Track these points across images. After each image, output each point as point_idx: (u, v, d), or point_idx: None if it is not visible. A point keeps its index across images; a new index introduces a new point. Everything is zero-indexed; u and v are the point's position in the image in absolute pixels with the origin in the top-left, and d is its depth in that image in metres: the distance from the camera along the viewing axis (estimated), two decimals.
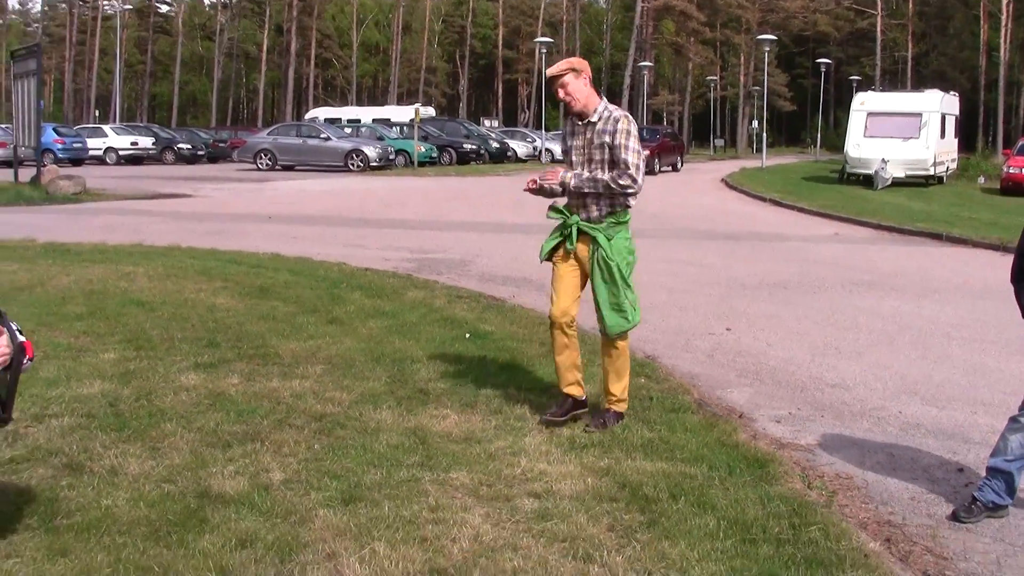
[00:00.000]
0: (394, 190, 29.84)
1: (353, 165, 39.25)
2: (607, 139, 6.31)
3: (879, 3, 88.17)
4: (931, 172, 34.28)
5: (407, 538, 4.57)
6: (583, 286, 6.60)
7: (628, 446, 6.06)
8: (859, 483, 5.89)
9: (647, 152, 34.97)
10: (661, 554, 4.49)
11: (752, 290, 12.70)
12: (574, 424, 6.45)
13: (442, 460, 5.67)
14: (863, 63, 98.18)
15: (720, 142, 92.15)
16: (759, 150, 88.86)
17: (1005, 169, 32.85)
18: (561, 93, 6.39)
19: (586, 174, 6.35)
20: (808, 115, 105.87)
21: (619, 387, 6.52)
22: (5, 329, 3.89)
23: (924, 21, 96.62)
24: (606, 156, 6.33)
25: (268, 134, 42.56)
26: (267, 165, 39.80)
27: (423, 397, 7.04)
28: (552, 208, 6.65)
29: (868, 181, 33.44)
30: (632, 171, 6.28)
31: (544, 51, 52.60)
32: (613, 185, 6.28)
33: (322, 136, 40.67)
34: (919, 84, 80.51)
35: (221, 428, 6.16)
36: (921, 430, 7.01)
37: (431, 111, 65.51)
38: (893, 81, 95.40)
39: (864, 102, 35.54)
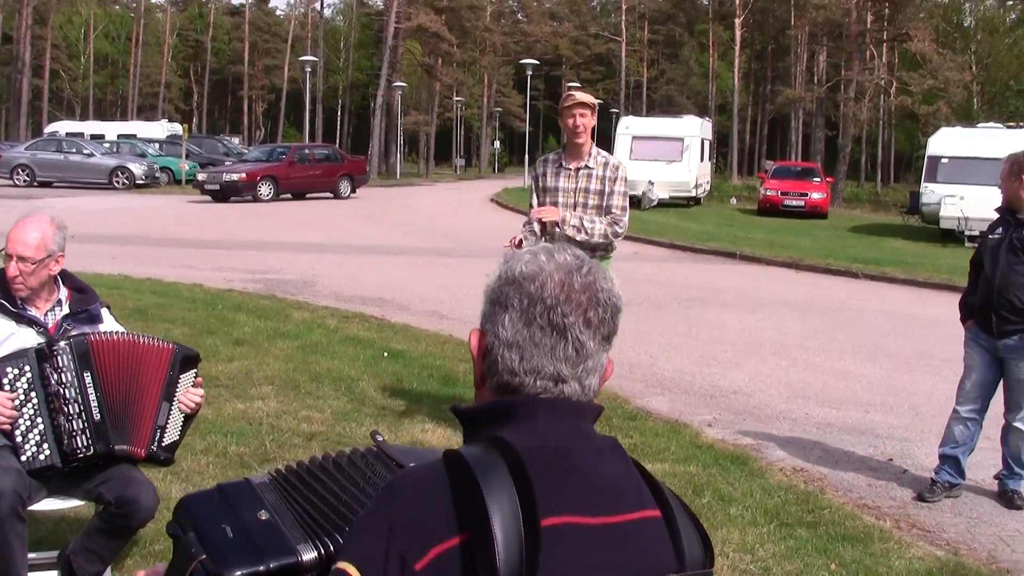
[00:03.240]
0: (177, 209, 29.13)
1: (118, 182, 37.87)
2: (605, 186, 6.52)
3: (624, 30, 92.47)
4: (693, 193, 36.57)
5: None
6: None
7: None
8: (817, 475, 6.67)
9: (243, 175, 31.33)
10: (725, 539, 5.08)
11: None
12: None
13: None
14: (597, 87, 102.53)
15: (461, 161, 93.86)
16: (500, 170, 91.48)
17: (762, 192, 35.46)
18: (580, 121, 6.44)
19: (586, 219, 6.45)
20: (541, 136, 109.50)
21: None
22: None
23: (655, 48, 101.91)
24: (601, 203, 6.53)
25: (26, 149, 40.44)
26: (25, 181, 37.81)
27: (390, 413, 7.38)
28: None
29: (633, 201, 35.26)
30: (625, 217, 6.57)
31: (309, 70, 52.46)
32: (608, 231, 6.50)
33: (85, 152, 39.04)
34: (651, 108, 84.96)
35: (229, 451, 6.29)
36: (835, 428, 7.90)
37: (178, 128, 63.79)
38: (626, 105, 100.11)
39: (629, 126, 37.42)
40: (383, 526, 1.46)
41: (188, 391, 4.10)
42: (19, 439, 3.84)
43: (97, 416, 3.92)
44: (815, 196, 34.27)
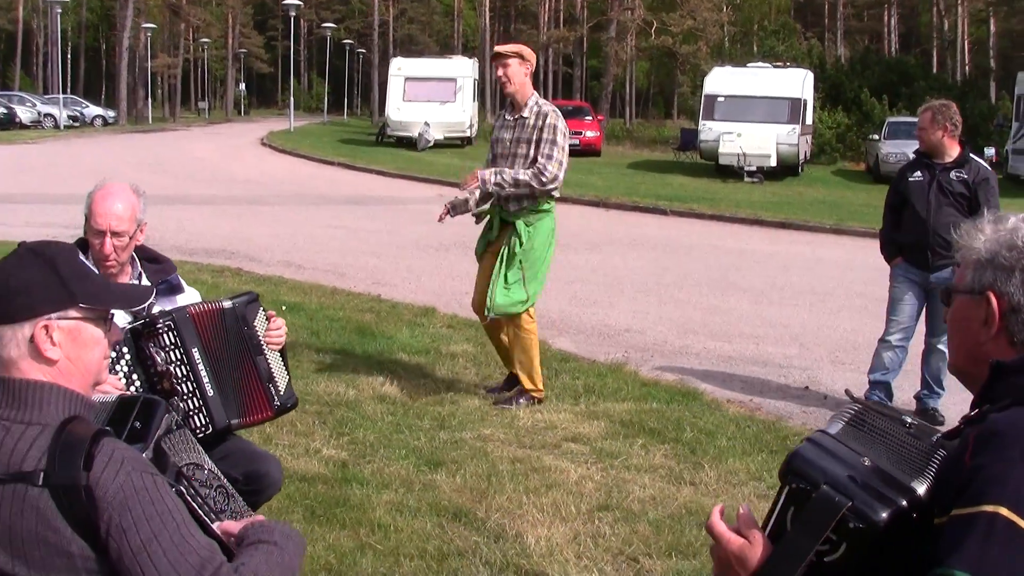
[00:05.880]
0: None
1: None
2: (535, 135, 6.54)
3: None
4: (467, 133, 37.01)
5: (546, 485, 5.15)
6: None
7: (575, 392, 6.94)
8: (751, 406, 7.16)
9: None
10: (733, 470, 5.49)
11: (443, 251, 13.57)
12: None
13: (452, 421, 6.23)
14: (339, 27, 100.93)
15: (205, 105, 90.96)
16: (246, 113, 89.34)
17: None
18: (500, 71, 6.58)
19: (507, 172, 6.51)
20: (281, 77, 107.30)
21: (522, 369, 6.80)
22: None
23: None
24: (530, 153, 6.54)
25: None
26: None
27: (335, 370, 7.42)
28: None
29: (405, 143, 35.43)
30: (554, 167, 6.50)
31: (59, 11, 49.36)
32: (535, 183, 6.47)
33: None
34: (394, 48, 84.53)
35: None
36: (737, 361, 8.46)
37: None
38: (365, 43, 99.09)
39: (401, 67, 37.37)
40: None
41: (269, 331, 3.99)
42: None
43: (210, 391, 3.81)
44: (589, 134, 35.34)
